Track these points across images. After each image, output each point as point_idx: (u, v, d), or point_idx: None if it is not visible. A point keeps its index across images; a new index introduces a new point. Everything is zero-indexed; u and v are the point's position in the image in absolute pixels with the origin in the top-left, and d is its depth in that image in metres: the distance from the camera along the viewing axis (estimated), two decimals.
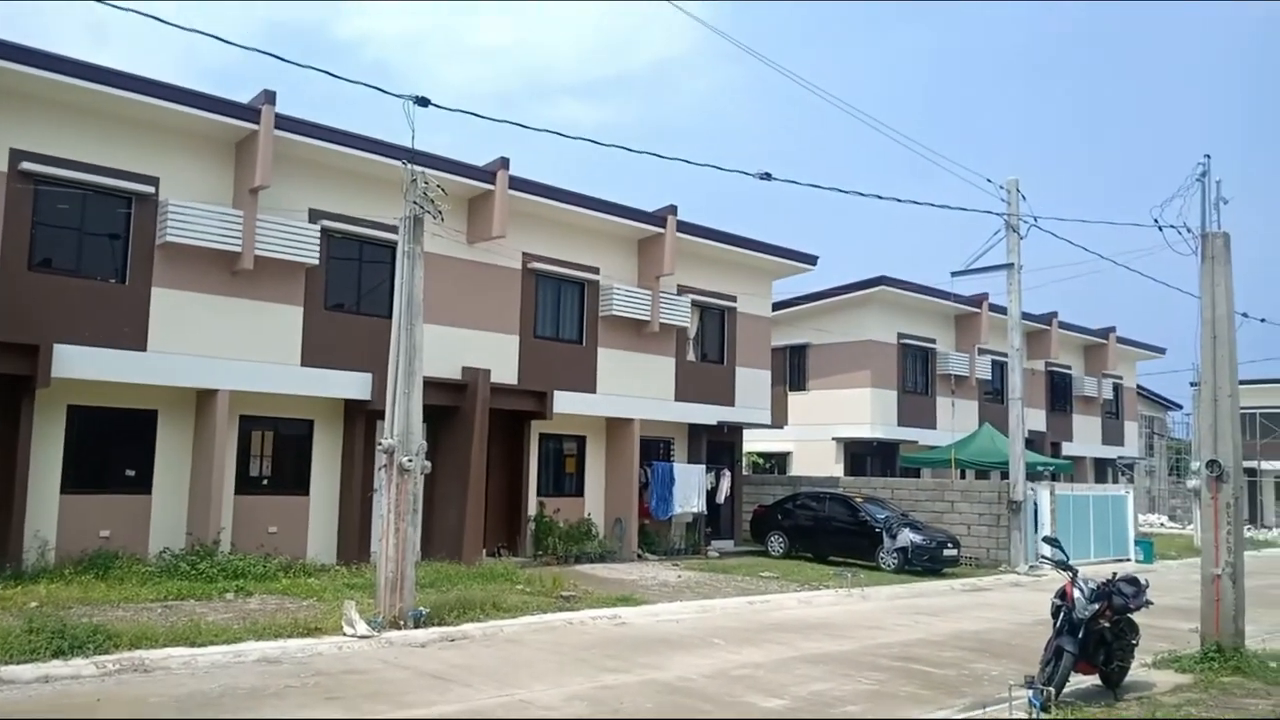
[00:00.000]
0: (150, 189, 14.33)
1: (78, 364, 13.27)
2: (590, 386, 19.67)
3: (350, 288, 16.68)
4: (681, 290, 21.49)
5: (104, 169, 13.93)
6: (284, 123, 14.92)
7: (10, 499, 12.75)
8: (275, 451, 15.92)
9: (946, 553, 19.91)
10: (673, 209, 20.47)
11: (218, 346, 14.69)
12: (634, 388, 20.40)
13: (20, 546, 12.72)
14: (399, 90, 10.75)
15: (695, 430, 22.17)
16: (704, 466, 21.63)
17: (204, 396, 14.81)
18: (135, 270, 14.22)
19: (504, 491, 18.52)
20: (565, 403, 18.78)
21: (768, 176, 14.12)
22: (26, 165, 13.23)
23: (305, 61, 9.99)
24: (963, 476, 25.02)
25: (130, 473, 14.39)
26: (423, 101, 11.38)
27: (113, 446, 14.36)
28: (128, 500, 14.23)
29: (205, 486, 14.31)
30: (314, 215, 15.90)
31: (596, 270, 20.04)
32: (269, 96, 14.76)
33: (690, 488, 20.91)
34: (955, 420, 29.03)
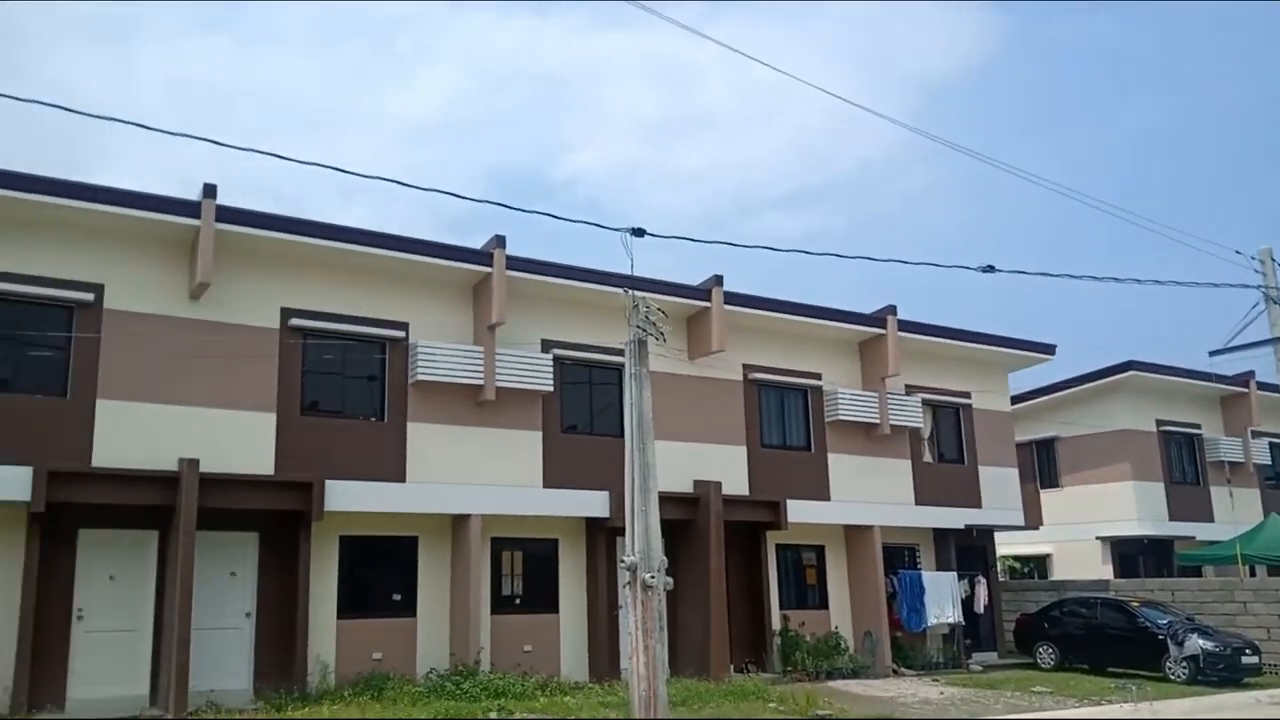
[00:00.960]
0: (401, 333, 15.64)
1: (346, 497, 14.39)
2: (823, 494, 19.27)
3: (583, 410, 17.34)
4: (910, 390, 20.90)
5: (361, 319, 15.36)
6: (514, 263, 16.00)
7: (293, 625, 13.81)
8: (525, 570, 16.46)
9: (1245, 660, 17.70)
10: (892, 309, 20.14)
11: (468, 474, 15.57)
12: (869, 493, 19.80)
13: (304, 670, 13.65)
14: (614, 223, 11.36)
15: (941, 535, 21.11)
16: (954, 574, 20.46)
17: (458, 521, 15.63)
18: (392, 408, 15.42)
19: (745, 605, 18.21)
20: (799, 511, 18.44)
21: (990, 269, 13.72)
22: (296, 321, 14.79)
23: (528, 206, 10.84)
24: (1252, 574, 22.36)
25: (397, 597, 15.28)
26: (639, 232, 11.91)
27: (381, 572, 15.34)
28: (396, 623, 15.07)
29: (464, 607, 14.96)
30: (546, 345, 16.79)
31: (819, 376, 19.87)
32: (499, 241, 15.92)
33: (943, 596, 19.78)
34: (1235, 512, 26.18)
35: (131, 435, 13.27)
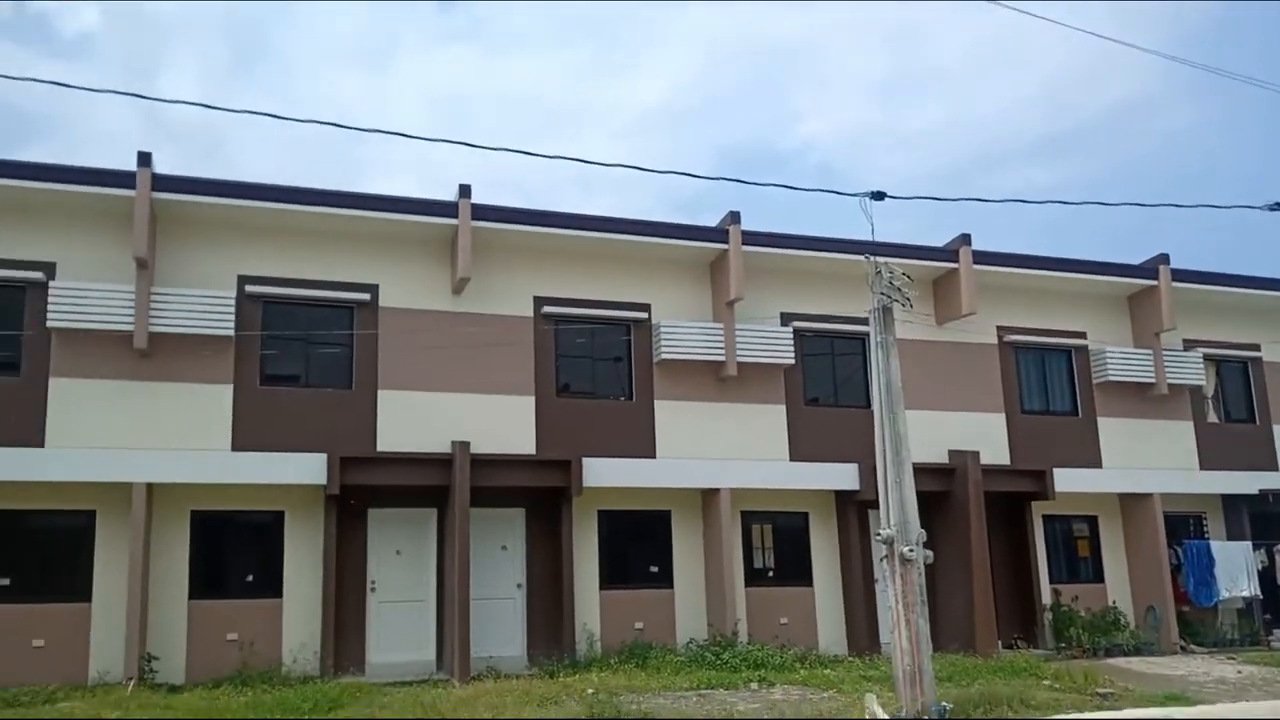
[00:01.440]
0: (644, 314, 16.02)
1: (602, 474, 14.96)
2: (1094, 461, 18.04)
3: (825, 382, 17.10)
4: (1189, 345, 19.14)
5: (606, 302, 15.88)
6: (750, 238, 15.99)
7: (560, 596, 14.57)
8: (776, 544, 16.48)
9: None
10: (1164, 258, 18.48)
11: (715, 448, 15.78)
12: (1146, 458, 18.34)
13: (573, 638, 14.37)
14: (848, 189, 11.05)
15: (1231, 502, 19.22)
16: (1249, 543, 18.58)
17: (708, 496, 15.88)
18: (639, 387, 15.86)
19: (1011, 579, 17.38)
20: (1068, 480, 17.33)
21: (1277, 206, 12.34)
22: (547, 309, 15.49)
23: (760, 180, 10.73)
24: None
25: (654, 569, 15.75)
26: (878, 196, 11.54)
27: (638, 545, 15.85)
28: (655, 594, 15.55)
29: (719, 580, 15.22)
30: (785, 318, 16.68)
31: (1083, 335, 18.58)
32: (734, 217, 15.93)
33: (1236, 568, 18.03)
34: None
35: (409, 422, 14.42)
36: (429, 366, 14.67)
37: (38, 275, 13.27)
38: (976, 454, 16.56)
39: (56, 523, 13.37)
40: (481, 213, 14.69)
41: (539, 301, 15.53)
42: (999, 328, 18.00)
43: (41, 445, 12.97)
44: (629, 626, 15.18)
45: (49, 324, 12.94)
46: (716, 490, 15.54)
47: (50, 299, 12.93)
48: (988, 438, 17.30)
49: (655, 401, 15.85)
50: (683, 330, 15.76)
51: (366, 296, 14.64)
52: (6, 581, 12.99)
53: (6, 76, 11.73)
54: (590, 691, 11.79)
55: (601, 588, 15.31)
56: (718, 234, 16.06)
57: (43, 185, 13.09)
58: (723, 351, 15.81)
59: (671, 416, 15.83)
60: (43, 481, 12.91)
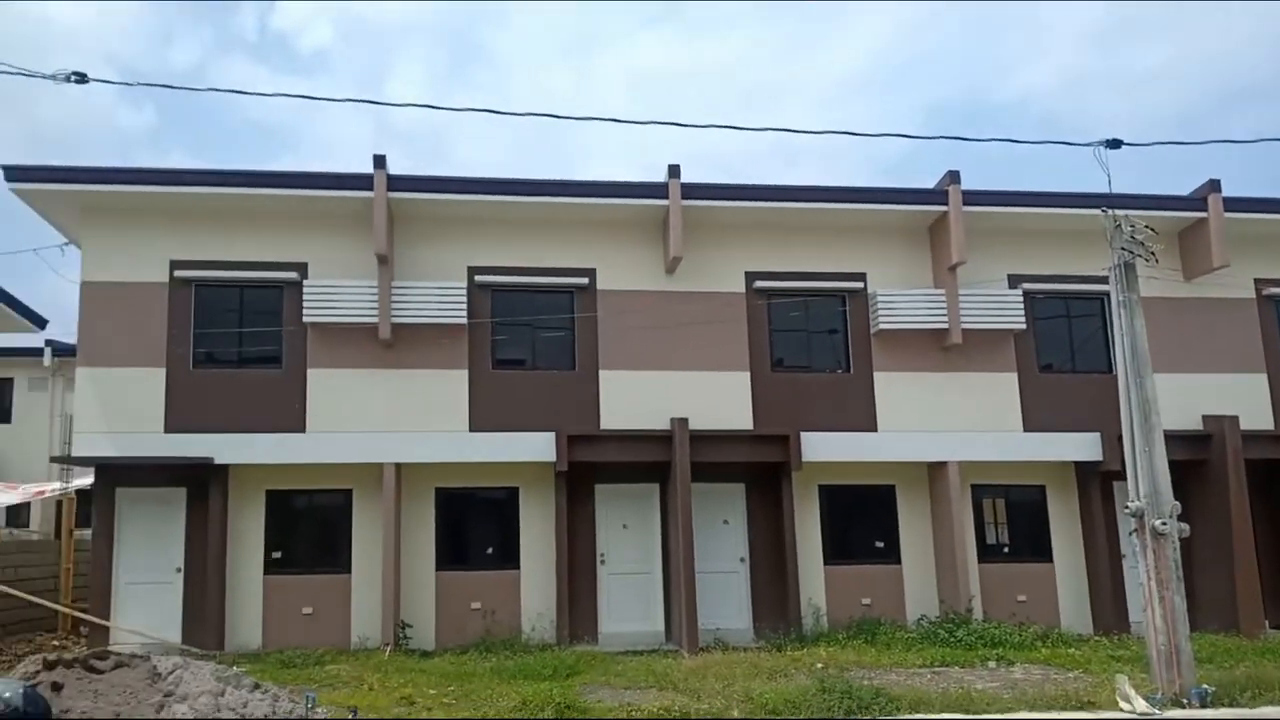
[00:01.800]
0: (859, 284, 15.66)
1: (821, 448, 14.81)
2: None
3: (1059, 347, 16.13)
4: None
5: (819, 274, 15.62)
6: (971, 198, 15.28)
7: (783, 570, 14.57)
8: (1010, 518, 15.75)
9: None
10: None
11: (940, 420, 15.26)
12: None
13: (798, 612, 14.35)
14: (1073, 138, 10.32)
15: None
16: None
17: (935, 469, 15.40)
18: (856, 359, 15.54)
19: (1277, 553, 15.87)
20: None
21: None
22: (759, 283, 15.42)
23: (976, 136, 10.20)
24: None
25: (880, 544, 15.46)
26: (1114, 144, 10.77)
27: (862, 520, 15.58)
28: (882, 570, 15.26)
29: (949, 556, 14.76)
30: (1013, 280, 15.84)
31: None
32: (953, 177, 15.27)
33: None
34: None
35: (629, 400, 14.81)
36: (646, 346, 14.98)
37: (293, 275, 14.55)
38: (1235, 419, 15.18)
39: (318, 501, 14.69)
40: (691, 191, 14.80)
41: (750, 276, 15.49)
42: (1257, 280, 16.37)
43: (303, 430, 14.24)
44: (856, 602, 14.99)
45: (305, 319, 14.16)
46: (943, 464, 15.04)
47: (305, 296, 14.15)
48: (1247, 401, 15.82)
49: (874, 373, 15.48)
50: (902, 298, 15.30)
51: (585, 280, 15.10)
52: (279, 555, 14.40)
53: (259, 94, 12.92)
54: (819, 666, 11.75)
55: (826, 562, 15.19)
56: (936, 196, 15.46)
57: (294, 192, 14.33)
58: (945, 319, 15.23)
59: (892, 388, 15.43)
60: (305, 464, 14.21)
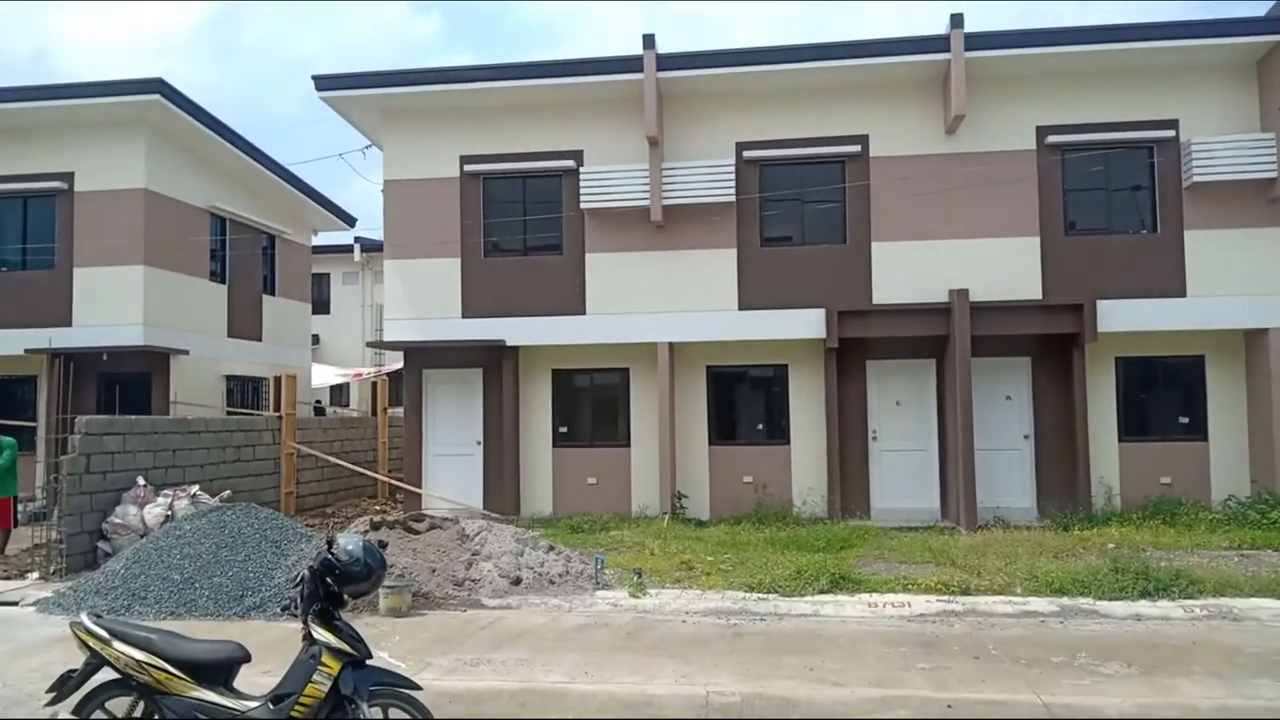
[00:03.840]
0: (1170, 132, 14.00)
1: (1119, 317, 13.67)
2: None
3: None
4: None
5: (1123, 124, 14.10)
6: None
7: (1072, 447, 13.77)
8: None
9: None
10: None
11: (1260, 284, 13.59)
12: None
13: (1088, 491, 13.59)
14: None
15: None
16: None
17: (1253, 337, 13.83)
18: (1165, 218, 14.03)
19: None
20: None
21: None
22: (1052, 138, 14.15)
23: None
24: None
25: (1184, 419, 14.20)
26: None
27: (1163, 394, 14.37)
28: (1183, 447, 14.07)
29: (1265, 432, 13.33)
30: None
31: None
32: None
33: None
34: None
35: (904, 272, 14.28)
36: (923, 214, 14.29)
37: (570, 164, 15.08)
38: None
39: (599, 379, 15.50)
40: (975, 42, 13.70)
41: (1042, 131, 14.24)
42: None
43: (583, 313, 14.96)
44: (1153, 480, 13.94)
45: (581, 205, 14.70)
46: (1264, 331, 13.44)
47: (581, 183, 14.65)
48: None
49: (1185, 232, 13.94)
50: (1221, 146, 13.54)
51: (857, 148, 14.53)
52: (565, 429, 15.41)
53: None
54: (1110, 546, 11.13)
55: (1120, 439, 14.18)
56: (1269, 25, 13.37)
57: (568, 80, 14.73)
58: (1274, 166, 13.36)
59: (1205, 248, 13.84)
60: (586, 344, 14.98)
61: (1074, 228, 14.32)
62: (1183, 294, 13.82)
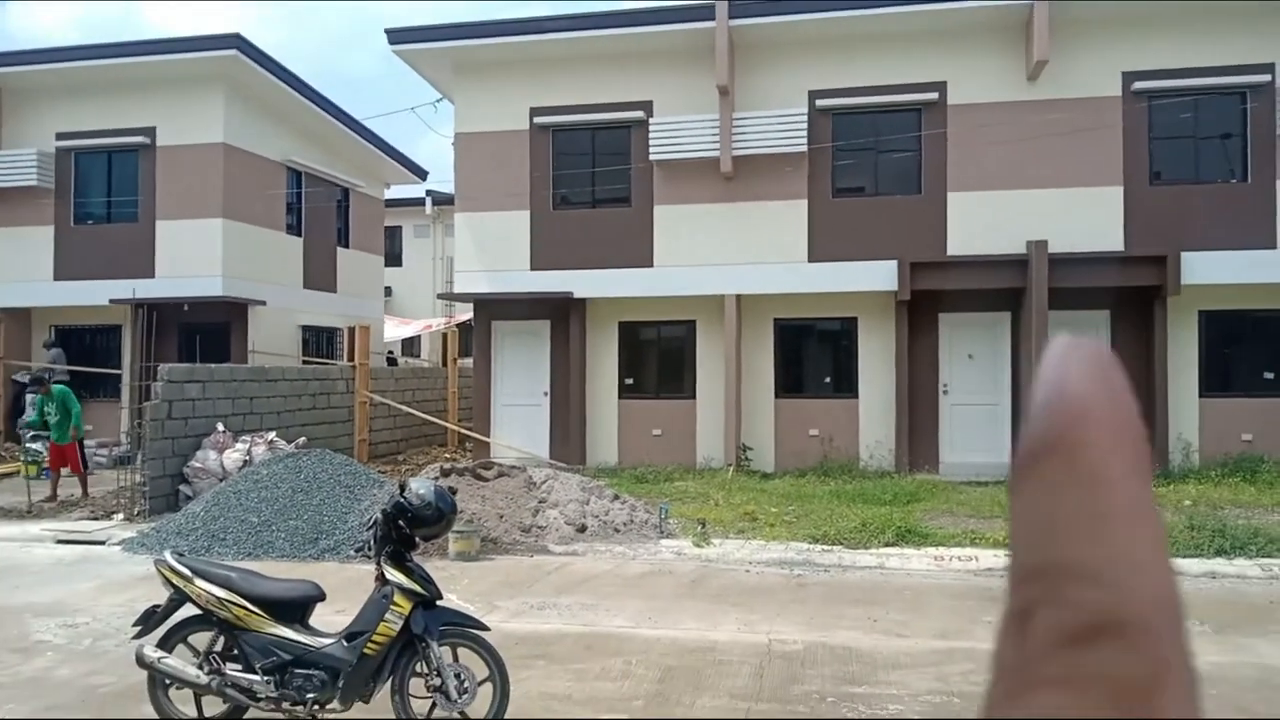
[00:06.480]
0: (1265, 77, 13.37)
1: (1204, 270, 13.20)
2: None
3: None
4: None
5: (1217, 68, 13.49)
6: None
7: (1152, 402, 13.41)
8: None
9: None
10: None
11: None
12: None
13: (1165, 447, 13.27)
14: None
15: None
16: None
17: None
18: (1257, 166, 13.46)
19: None
20: None
21: None
22: (1139, 84, 13.62)
23: None
24: None
25: (1269, 375, 13.72)
26: None
27: (1249, 349, 13.88)
28: (1268, 403, 13.59)
29: None
30: None
31: None
32: None
33: None
34: None
35: (980, 223, 13.95)
36: (1001, 163, 13.92)
37: (639, 115, 14.99)
38: None
39: (665, 331, 15.52)
40: None
41: (1129, 78, 13.71)
42: None
43: (650, 265, 14.95)
44: (1234, 437, 13.52)
45: (650, 157, 14.63)
46: None
47: (651, 134, 14.57)
48: None
49: (1278, 182, 13.35)
50: None
51: (934, 96, 14.17)
52: (630, 381, 15.50)
53: None
54: (1188, 503, 10.87)
55: (1201, 395, 13.77)
56: None
57: (639, 30, 14.60)
58: None
59: None
60: (653, 297, 14.99)
61: (1159, 177, 13.83)
62: (1273, 246, 13.28)
